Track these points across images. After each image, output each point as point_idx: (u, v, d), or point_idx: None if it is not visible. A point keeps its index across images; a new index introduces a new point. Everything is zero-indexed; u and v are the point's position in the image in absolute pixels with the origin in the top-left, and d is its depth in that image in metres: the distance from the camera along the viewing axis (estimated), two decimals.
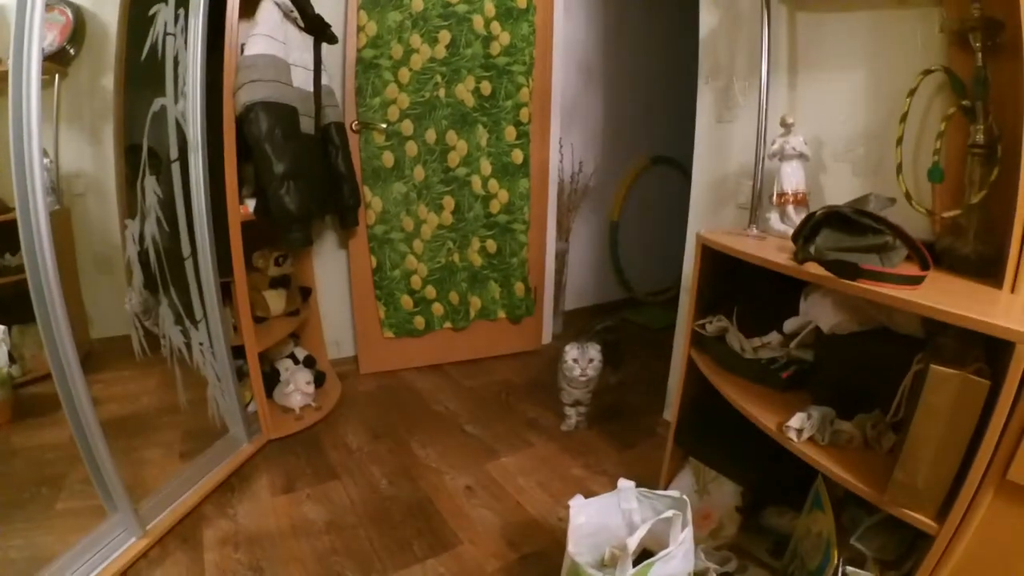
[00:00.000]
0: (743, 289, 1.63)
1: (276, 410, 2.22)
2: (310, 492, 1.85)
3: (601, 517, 1.39)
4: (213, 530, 1.65)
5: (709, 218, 2.03)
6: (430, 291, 2.65)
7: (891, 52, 1.48)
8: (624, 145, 3.47)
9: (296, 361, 2.35)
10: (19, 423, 2.01)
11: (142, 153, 1.59)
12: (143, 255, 1.63)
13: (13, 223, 1.27)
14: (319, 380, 2.37)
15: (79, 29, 2.07)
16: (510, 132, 2.62)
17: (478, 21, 2.43)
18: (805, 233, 1.25)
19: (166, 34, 1.62)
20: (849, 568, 1.12)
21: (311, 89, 2.06)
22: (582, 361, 2.05)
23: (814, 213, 1.26)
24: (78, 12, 2.03)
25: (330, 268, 2.59)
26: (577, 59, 3.09)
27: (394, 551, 1.58)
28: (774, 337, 1.50)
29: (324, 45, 2.11)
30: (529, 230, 2.78)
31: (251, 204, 1.97)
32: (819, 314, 1.33)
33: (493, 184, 2.65)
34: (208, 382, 1.92)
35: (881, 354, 1.20)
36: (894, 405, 1.15)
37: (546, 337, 3.04)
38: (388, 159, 2.44)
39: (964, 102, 1.22)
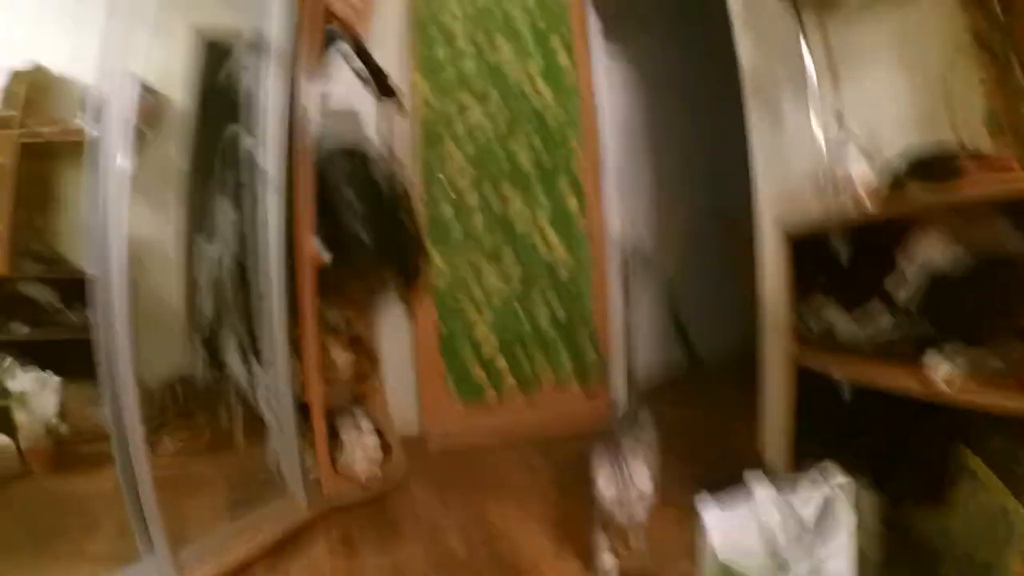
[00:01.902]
0: (823, 270, 1.56)
1: (338, 478, 2.01)
2: (377, 560, 1.63)
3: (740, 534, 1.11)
4: None
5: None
6: (500, 360, 2.60)
7: (921, 34, 1.53)
8: (675, 202, 3.49)
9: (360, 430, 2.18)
10: (57, 474, 2.01)
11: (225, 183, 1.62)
12: (213, 282, 1.60)
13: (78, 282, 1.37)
14: (384, 452, 2.17)
15: (157, 110, 2.27)
16: (565, 185, 2.68)
17: (524, 80, 2.62)
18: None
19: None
20: None
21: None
22: (624, 500, 1.28)
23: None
24: (153, 92, 2.20)
25: (392, 339, 2.52)
26: (620, 122, 3.14)
27: None
28: (876, 304, 1.39)
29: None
30: (595, 295, 2.73)
31: (325, 254, 1.95)
32: (928, 255, 1.24)
33: (558, 250, 2.68)
34: (268, 432, 1.77)
35: (1001, 278, 1.12)
36: None
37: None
38: (453, 223, 2.55)
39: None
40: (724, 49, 2.10)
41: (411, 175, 2.49)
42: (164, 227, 2.26)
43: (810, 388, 1.53)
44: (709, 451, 2.17)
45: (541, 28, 2.65)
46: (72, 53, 2.10)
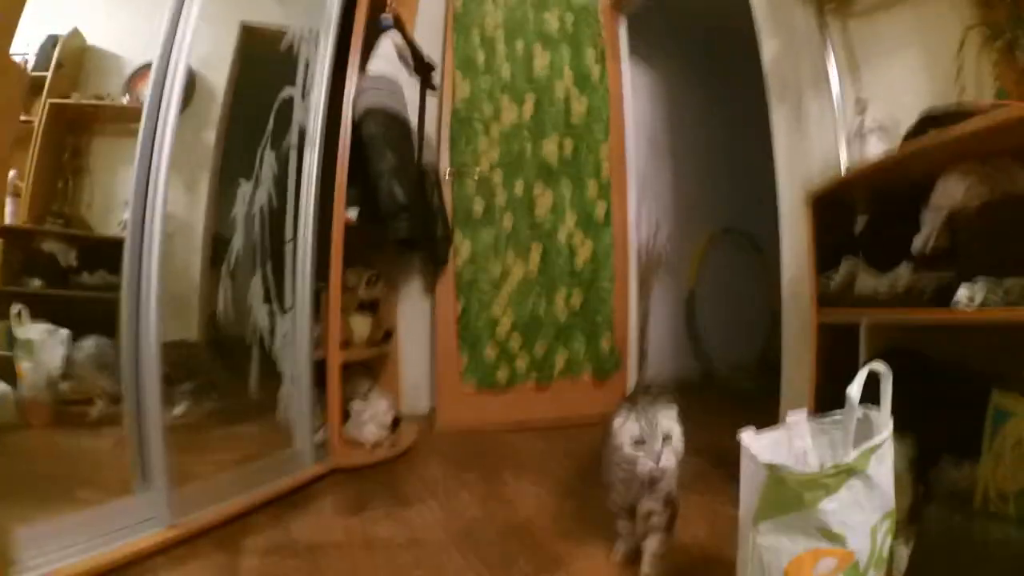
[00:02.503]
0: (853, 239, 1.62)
1: (346, 440, 1.99)
2: (386, 512, 1.62)
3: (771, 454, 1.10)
4: (260, 539, 1.44)
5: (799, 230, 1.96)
6: (515, 342, 2.60)
7: (933, 26, 1.64)
8: (694, 216, 3.58)
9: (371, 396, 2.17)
10: (56, 429, 1.97)
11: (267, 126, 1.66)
12: (249, 219, 1.62)
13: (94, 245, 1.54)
14: (394, 424, 2.14)
15: (188, 90, 2.34)
16: (592, 187, 2.77)
17: (559, 87, 2.74)
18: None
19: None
20: None
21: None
22: (650, 442, 1.16)
23: None
24: (191, 73, 2.28)
25: (413, 317, 2.56)
26: (645, 132, 3.32)
27: (495, 567, 1.30)
28: (903, 267, 1.42)
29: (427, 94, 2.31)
30: (614, 285, 2.77)
31: (353, 213, 1.99)
32: (946, 196, 1.29)
33: (578, 236, 2.73)
34: (281, 384, 1.75)
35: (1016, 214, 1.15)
36: None
37: None
38: (478, 206, 2.60)
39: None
40: (746, 67, 2.22)
41: (443, 161, 2.56)
42: (192, 201, 2.28)
43: (836, 350, 1.56)
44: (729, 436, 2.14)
45: (575, 39, 2.79)
46: (113, 25, 2.13)
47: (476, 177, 2.57)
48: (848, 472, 0.94)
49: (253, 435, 1.84)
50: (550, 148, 2.70)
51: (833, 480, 0.94)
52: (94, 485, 1.49)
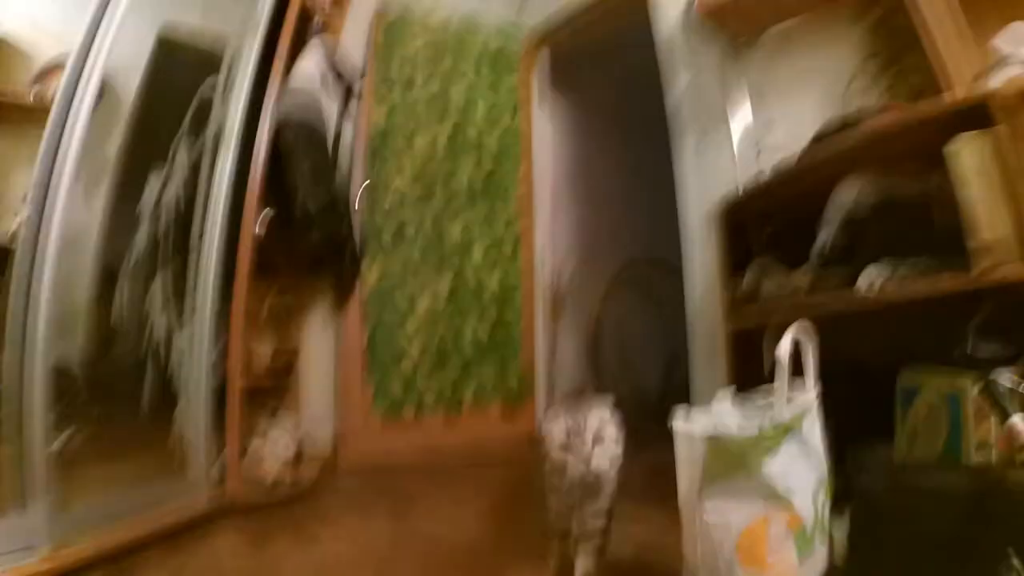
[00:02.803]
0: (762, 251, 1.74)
1: (243, 475, 1.79)
2: (291, 547, 1.46)
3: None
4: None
5: (705, 249, 2.11)
6: (423, 372, 2.50)
7: (830, 61, 1.87)
8: (602, 251, 3.64)
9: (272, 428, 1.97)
10: None
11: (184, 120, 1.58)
12: (155, 215, 1.49)
13: None
14: (296, 460, 1.96)
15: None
16: (502, 218, 2.80)
17: (475, 118, 2.81)
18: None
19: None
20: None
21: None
22: (578, 439, 1.08)
23: None
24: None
25: (317, 344, 2.41)
26: (556, 166, 3.37)
27: None
28: (807, 267, 1.54)
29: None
30: (522, 315, 2.78)
31: (266, 217, 1.90)
32: (838, 203, 1.43)
33: (487, 266, 2.73)
34: (177, 405, 1.57)
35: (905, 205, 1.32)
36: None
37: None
38: (388, 231, 2.54)
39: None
40: (656, 107, 2.42)
41: (356, 184, 2.50)
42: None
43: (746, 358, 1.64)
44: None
45: (493, 72, 2.90)
46: (25, 13, 1.95)
47: (388, 203, 2.53)
48: (785, 430, 0.98)
49: (146, 461, 1.59)
50: (462, 177, 2.73)
51: (772, 439, 0.97)
52: None
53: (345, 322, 2.44)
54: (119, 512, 1.38)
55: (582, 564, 1.10)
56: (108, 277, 1.62)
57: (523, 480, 2.12)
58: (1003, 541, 0.83)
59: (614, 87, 3.89)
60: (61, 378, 1.41)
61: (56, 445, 1.28)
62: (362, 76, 2.49)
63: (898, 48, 1.63)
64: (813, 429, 1.04)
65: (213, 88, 1.79)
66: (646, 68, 2.54)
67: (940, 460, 1.12)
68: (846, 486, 1.25)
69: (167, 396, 1.58)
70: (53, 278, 1.30)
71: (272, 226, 1.94)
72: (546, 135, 3.15)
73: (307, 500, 1.87)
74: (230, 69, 1.84)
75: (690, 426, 1.09)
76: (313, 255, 2.14)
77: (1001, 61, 1.24)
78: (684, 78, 2.34)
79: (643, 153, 3.89)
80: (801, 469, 1.00)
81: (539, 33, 3.08)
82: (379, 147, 2.58)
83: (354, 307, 2.44)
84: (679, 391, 2.16)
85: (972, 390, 1.06)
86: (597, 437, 1.09)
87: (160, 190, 1.55)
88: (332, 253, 2.18)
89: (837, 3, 1.90)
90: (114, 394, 1.66)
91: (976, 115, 1.09)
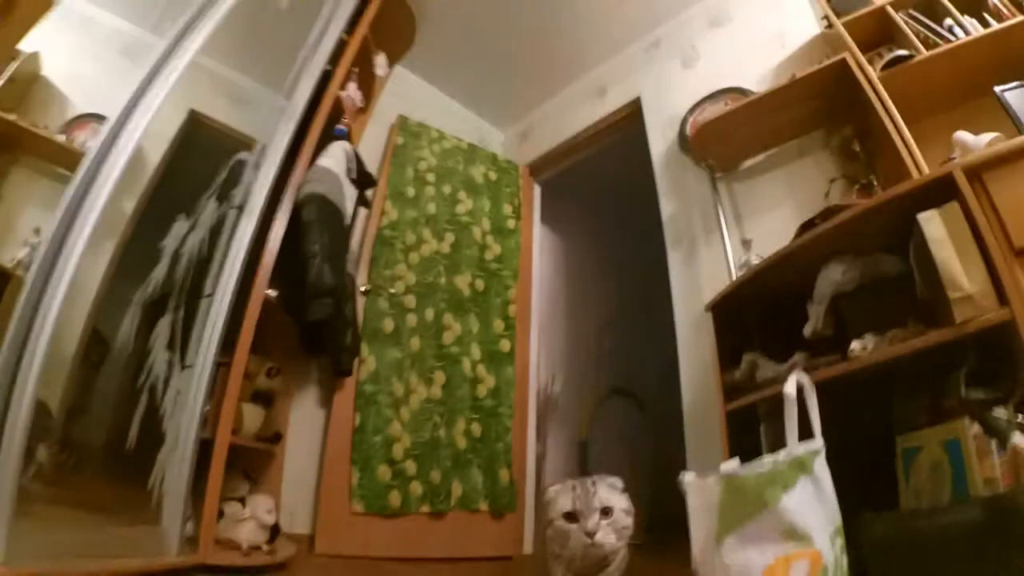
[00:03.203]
0: (753, 340, 1.85)
1: (218, 542, 1.68)
2: None
3: None
4: None
5: (696, 348, 2.25)
6: (410, 465, 2.41)
7: (803, 183, 2.14)
8: (587, 372, 3.70)
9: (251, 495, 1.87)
10: None
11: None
12: (176, 256, 1.55)
13: None
14: (273, 532, 1.84)
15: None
16: (498, 324, 2.89)
17: (477, 231, 3.00)
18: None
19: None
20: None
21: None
22: (587, 510, 1.06)
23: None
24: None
25: (302, 428, 2.34)
26: (547, 288, 3.55)
27: None
28: (798, 356, 1.64)
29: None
30: (513, 420, 2.76)
31: (272, 294, 1.95)
32: (827, 282, 1.57)
33: (481, 368, 2.76)
34: (164, 441, 1.52)
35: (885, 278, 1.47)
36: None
37: (528, 546, 2.57)
38: (388, 324, 2.59)
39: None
40: (643, 240, 2.65)
41: (361, 277, 2.60)
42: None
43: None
44: None
45: (495, 192, 3.16)
46: (70, 65, 2.08)
47: (390, 295, 2.61)
48: (799, 466, 0.99)
49: (120, 498, 1.49)
50: (463, 283, 2.85)
51: (789, 472, 0.98)
52: None
53: (336, 405, 2.40)
54: (84, 545, 1.28)
55: None
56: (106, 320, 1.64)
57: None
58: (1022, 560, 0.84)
59: (605, 218, 4.24)
60: (42, 410, 1.38)
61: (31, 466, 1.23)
62: (374, 184, 2.67)
63: (863, 166, 1.90)
64: (824, 474, 1.05)
65: (246, 159, 1.92)
66: (628, 205, 2.81)
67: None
68: (856, 555, 1.24)
69: (155, 434, 1.53)
70: (53, 331, 1.29)
71: (273, 307, 1.99)
72: (539, 257, 3.35)
73: (284, 572, 1.73)
74: (264, 147, 1.98)
75: (703, 475, 1.10)
76: (313, 334, 2.15)
77: (963, 147, 1.46)
78: (672, 201, 2.61)
79: (628, 287, 4.14)
80: (817, 510, 1.00)
81: (534, 168, 3.44)
82: (387, 245, 2.71)
83: (346, 393, 2.42)
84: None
85: (971, 429, 1.10)
86: (606, 509, 1.07)
87: (185, 235, 1.61)
88: (333, 334, 2.20)
89: (805, 134, 2.19)
90: (102, 421, 1.61)
91: (943, 189, 1.27)
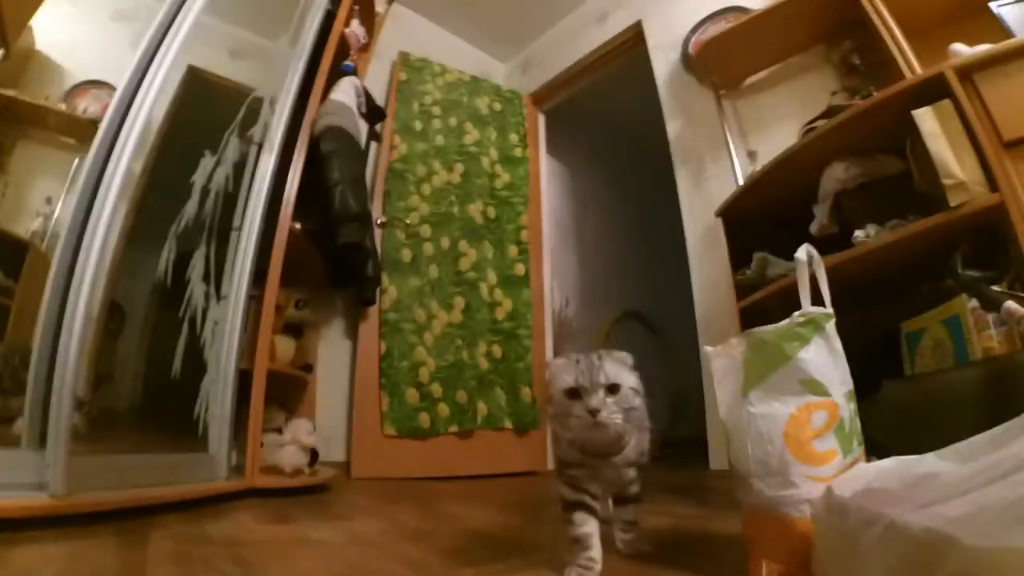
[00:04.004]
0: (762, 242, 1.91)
1: (262, 469, 1.79)
2: (319, 522, 1.43)
3: None
4: (172, 532, 1.23)
5: (706, 257, 2.34)
6: (436, 388, 2.54)
7: (806, 97, 2.15)
8: (597, 298, 3.81)
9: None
10: None
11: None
12: (204, 191, 1.60)
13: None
14: (313, 457, 1.95)
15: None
16: (512, 250, 2.98)
17: (485, 160, 3.04)
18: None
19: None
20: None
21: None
22: (592, 386, 0.92)
23: None
24: None
25: (331, 361, 2.43)
26: (555, 216, 3.62)
27: (457, 553, 1.15)
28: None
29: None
30: (531, 341, 2.86)
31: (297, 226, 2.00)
32: (831, 180, 1.62)
33: (498, 292, 2.85)
34: (206, 370, 1.60)
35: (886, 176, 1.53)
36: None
37: (551, 461, 2.70)
38: (406, 254, 2.67)
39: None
40: (646, 167, 2.66)
41: (376, 211, 2.65)
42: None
43: None
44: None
45: (501, 122, 3.19)
46: (65, 34, 2.09)
47: (406, 225, 2.68)
48: (814, 325, 1.06)
49: (169, 426, 1.58)
50: (475, 211, 2.91)
51: (804, 329, 1.05)
52: None
53: (362, 335, 2.51)
54: (137, 472, 1.38)
55: (622, 514, 1.05)
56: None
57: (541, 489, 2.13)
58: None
59: (609, 146, 4.27)
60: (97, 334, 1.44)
61: (84, 394, 1.29)
62: (383, 117, 2.69)
63: (863, 79, 1.92)
64: (836, 340, 1.12)
65: (261, 99, 1.95)
66: (632, 130, 2.79)
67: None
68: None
69: (198, 364, 1.61)
70: (90, 293, 1.29)
71: (298, 241, 2.04)
72: (547, 185, 3.41)
73: (327, 492, 1.85)
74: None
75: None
76: (338, 265, 2.22)
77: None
78: (678, 121, 2.63)
79: (635, 211, 4.18)
80: (831, 368, 1.07)
81: (537, 98, 3.46)
82: (399, 178, 2.77)
83: (371, 322, 2.52)
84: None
85: (969, 303, 1.18)
86: (612, 386, 0.93)
87: (211, 171, 1.67)
88: (361, 261, 2.27)
89: (805, 50, 2.20)
90: (147, 351, 1.70)
91: (937, 88, 1.33)
